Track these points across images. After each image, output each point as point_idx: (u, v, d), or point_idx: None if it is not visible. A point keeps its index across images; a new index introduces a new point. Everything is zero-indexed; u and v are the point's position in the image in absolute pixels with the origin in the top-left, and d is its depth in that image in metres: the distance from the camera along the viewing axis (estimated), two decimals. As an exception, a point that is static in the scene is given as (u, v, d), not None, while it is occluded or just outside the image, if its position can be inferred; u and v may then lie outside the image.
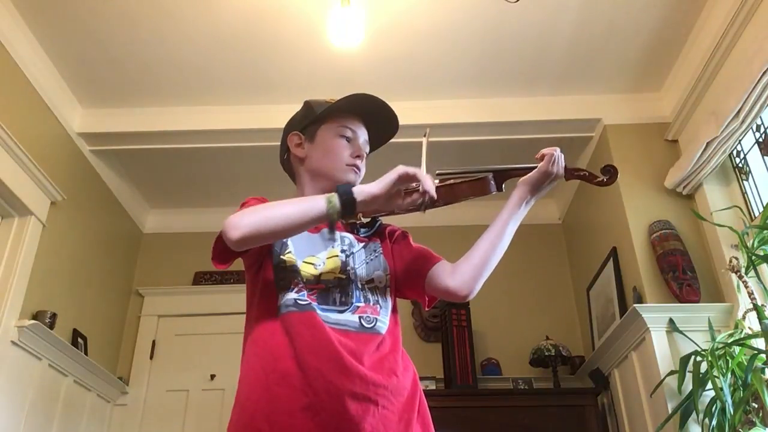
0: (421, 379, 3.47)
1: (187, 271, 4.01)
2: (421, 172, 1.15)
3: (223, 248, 1.16)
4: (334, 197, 1.11)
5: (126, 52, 3.01)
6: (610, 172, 1.30)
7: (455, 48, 3.01)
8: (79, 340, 3.25)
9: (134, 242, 4.09)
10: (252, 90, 3.26)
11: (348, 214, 1.12)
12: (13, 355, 2.69)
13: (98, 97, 3.30)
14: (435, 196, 1.15)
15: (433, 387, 3.33)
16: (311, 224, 1.13)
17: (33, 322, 2.75)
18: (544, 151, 1.28)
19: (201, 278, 3.99)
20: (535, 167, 1.29)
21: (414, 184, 1.16)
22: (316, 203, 1.11)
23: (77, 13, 2.79)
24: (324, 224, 1.27)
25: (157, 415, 3.61)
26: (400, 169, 1.13)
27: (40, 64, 2.97)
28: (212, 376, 3.68)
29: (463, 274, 1.25)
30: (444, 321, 3.50)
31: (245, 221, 1.08)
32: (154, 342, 3.82)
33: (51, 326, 2.89)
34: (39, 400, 2.87)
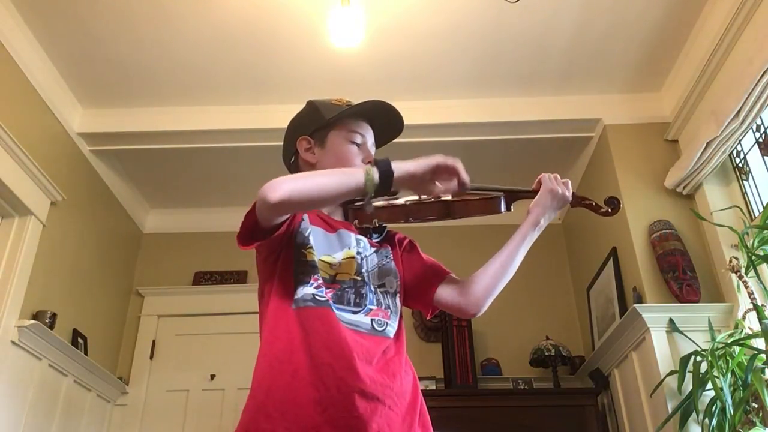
0: (421, 379, 3.47)
1: (187, 271, 4.01)
2: (459, 163, 1.16)
3: (252, 225, 1.15)
4: (373, 170, 1.12)
5: (126, 52, 3.01)
6: (614, 203, 1.38)
7: (455, 48, 3.01)
8: (79, 340, 3.25)
9: (134, 242, 4.09)
10: (252, 90, 3.26)
11: (384, 188, 1.12)
12: (13, 355, 2.69)
13: (98, 97, 3.30)
14: (468, 182, 1.18)
15: (433, 387, 3.33)
16: (348, 195, 1.14)
17: (33, 322, 2.75)
18: (541, 176, 1.36)
19: (201, 278, 3.99)
20: None
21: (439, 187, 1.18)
22: (354, 175, 1.12)
23: (77, 13, 2.79)
24: (341, 224, 1.29)
25: (157, 415, 3.61)
26: (440, 157, 1.15)
27: (40, 64, 2.97)
28: (212, 376, 3.69)
29: (474, 293, 1.29)
30: (444, 321, 3.50)
31: (285, 185, 1.08)
32: (154, 342, 3.82)
33: (51, 326, 2.89)
34: (39, 400, 2.87)
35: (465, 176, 1.16)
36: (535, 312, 3.77)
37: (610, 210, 1.38)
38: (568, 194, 1.34)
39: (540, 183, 1.35)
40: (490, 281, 1.29)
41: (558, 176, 1.35)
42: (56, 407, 3.03)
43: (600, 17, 2.85)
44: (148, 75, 3.16)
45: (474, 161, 3.58)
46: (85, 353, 3.26)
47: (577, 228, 3.87)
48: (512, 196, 1.33)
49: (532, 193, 1.35)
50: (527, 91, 3.31)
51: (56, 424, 3.01)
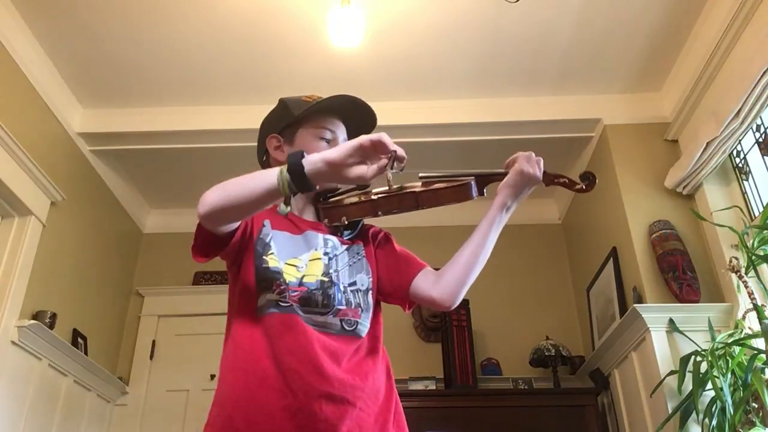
0: (422, 379, 3.47)
1: (187, 271, 4.01)
2: (385, 136, 1.06)
3: (203, 239, 1.14)
4: (284, 168, 1.04)
5: (126, 52, 3.01)
6: (589, 179, 1.28)
7: (455, 48, 3.01)
8: (79, 340, 3.25)
9: (134, 242, 4.09)
10: (252, 90, 3.26)
11: (301, 185, 1.04)
12: (13, 355, 2.69)
13: (98, 97, 3.30)
14: (404, 155, 1.08)
15: (433, 387, 3.33)
16: (268, 199, 1.06)
17: (33, 322, 2.75)
18: (512, 157, 1.27)
19: (201, 278, 3.99)
20: None
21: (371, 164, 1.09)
22: (267, 176, 1.05)
23: (77, 13, 2.79)
24: (309, 225, 1.27)
25: (157, 415, 3.61)
26: (363, 137, 1.05)
27: (40, 64, 2.97)
28: (212, 376, 3.68)
29: (447, 285, 1.24)
30: (444, 321, 3.49)
31: (210, 197, 1.06)
32: (154, 342, 3.82)
33: (51, 326, 2.89)
34: (39, 400, 2.87)
35: (394, 146, 1.06)
36: (535, 312, 3.76)
37: (584, 186, 1.27)
38: (539, 174, 1.24)
39: (509, 164, 1.26)
40: (461, 272, 1.23)
41: (532, 154, 1.25)
42: (56, 407, 3.03)
43: (600, 17, 2.85)
44: (148, 75, 3.16)
45: (474, 161, 3.60)
46: (85, 353, 3.26)
47: (577, 228, 3.86)
48: (484, 180, 1.26)
49: (504, 175, 1.27)
50: (527, 91, 3.31)
51: (56, 424, 3.01)
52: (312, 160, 1.04)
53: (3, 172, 2.66)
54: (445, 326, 3.46)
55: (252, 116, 3.32)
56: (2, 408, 2.63)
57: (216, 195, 1.06)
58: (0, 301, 2.67)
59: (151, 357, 3.77)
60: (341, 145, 1.07)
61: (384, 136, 1.06)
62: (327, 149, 1.16)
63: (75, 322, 3.25)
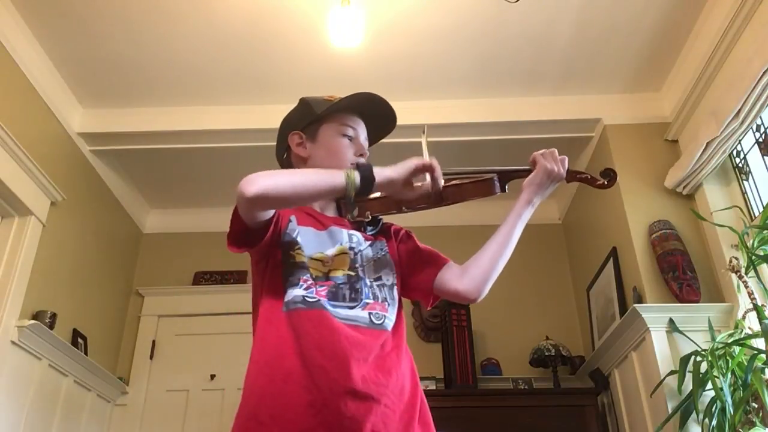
0: (421, 379, 3.45)
1: (187, 271, 4.01)
2: (435, 162, 1.19)
3: (240, 228, 1.15)
4: (354, 173, 1.13)
5: (126, 52, 3.01)
6: (610, 175, 1.33)
7: (455, 48, 3.01)
8: (79, 340, 3.25)
9: (134, 242, 4.09)
10: (252, 90, 3.26)
11: (364, 192, 1.14)
12: (13, 355, 2.69)
13: (98, 97, 3.30)
14: (443, 183, 1.19)
15: (433, 387, 3.33)
16: (327, 195, 1.17)
17: (33, 322, 2.75)
18: (536, 154, 1.31)
19: (201, 278, 3.99)
20: None
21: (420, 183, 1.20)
22: (335, 175, 1.13)
23: (77, 13, 2.79)
24: (333, 221, 1.29)
25: (157, 415, 3.61)
26: (416, 159, 1.18)
27: (40, 64, 2.97)
28: (212, 376, 3.69)
29: (473, 278, 1.27)
30: (444, 321, 3.49)
31: (262, 180, 1.08)
32: (154, 342, 3.82)
33: (51, 326, 2.89)
34: (39, 400, 2.87)
35: (440, 171, 1.19)
36: (535, 312, 3.76)
37: (606, 182, 1.32)
38: (563, 172, 1.30)
39: (534, 161, 1.31)
40: (488, 264, 1.27)
41: (555, 151, 1.30)
42: (56, 407, 3.03)
43: (600, 17, 2.85)
44: (148, 75, 3.16)
45: (474, 161, 3.59)
46: (85, 353, 3.26)
47: (577, 228, 3.86)
48: (506, 176, 1.29)
49: (526, 172, 1.31)
50: (527, 91, 3.31)
51: (56, 424, 3.01)
52: (381, 173, 1.15)
53: (3, 172, 2.66)
54: (445, 326, 3.46)
55: (252, 116, 3.35)
56: (2, 408, 2.63)
57: (270, 180, 1.09)
58: (0, 301, 2.67)
59: (151, 357, 3.77)
60: (401, 164, 1.17)
61: (434, 162, 1.19)
62: (349, 145, 1.34)
63: (75, 322, 3.25)
